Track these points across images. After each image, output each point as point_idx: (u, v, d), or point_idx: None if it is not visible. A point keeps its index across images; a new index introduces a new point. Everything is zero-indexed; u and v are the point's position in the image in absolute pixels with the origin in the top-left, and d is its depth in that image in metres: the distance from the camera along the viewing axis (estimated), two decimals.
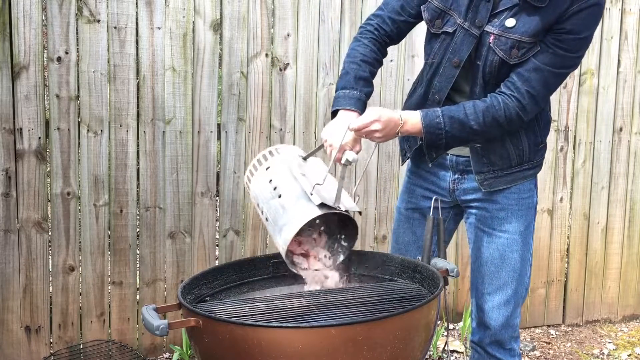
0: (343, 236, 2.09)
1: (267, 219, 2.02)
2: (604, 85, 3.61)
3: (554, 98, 3.52)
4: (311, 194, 1.89)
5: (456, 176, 2.20)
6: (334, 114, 2.08)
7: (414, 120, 2.01)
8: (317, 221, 1.97)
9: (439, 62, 2.11)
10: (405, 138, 2.27)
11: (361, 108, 2.05)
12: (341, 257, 2.09)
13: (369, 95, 2.11)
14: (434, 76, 2.13)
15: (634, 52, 3.63)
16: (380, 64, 2.19)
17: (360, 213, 2.07)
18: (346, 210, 1.94)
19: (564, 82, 3.52)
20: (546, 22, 1.97)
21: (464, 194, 2.21)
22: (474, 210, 2.22)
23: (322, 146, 2.08)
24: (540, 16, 1.97)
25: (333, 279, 2.06)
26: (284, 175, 2.02)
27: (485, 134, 2.04)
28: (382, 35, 2.18)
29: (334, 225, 2.07)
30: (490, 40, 2.01)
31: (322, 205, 1.89)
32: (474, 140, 2.09)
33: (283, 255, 1.96)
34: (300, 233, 1.94)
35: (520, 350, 3.42)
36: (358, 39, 2.18)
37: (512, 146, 2.13)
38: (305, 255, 2.05)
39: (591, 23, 2.00)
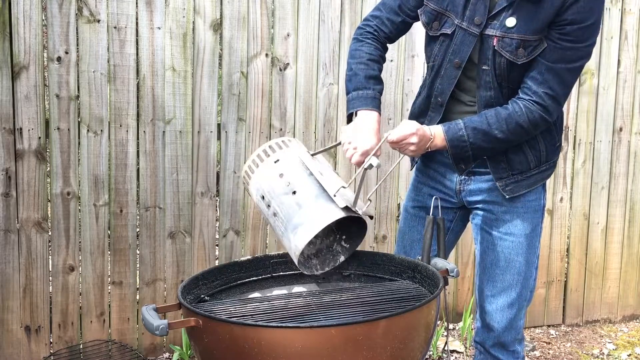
0: (344, 237, 2.08)
1: (275, 214, 1.94)
2: (604, 85, 3.61)
3: None
4: (334, 195, 1.87)
5: (462, 177, 2.18)
6: (350, 117, 2.07)
7: (440, 134, 2.00)
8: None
9: (439, 64, 2.09)
10: None
11: (378, 107, 2.05)
12: (342, 258, 2.08)
13: (381, 92, 2.10)
14: (436, 79, 2.11)
15: (634, 52, 3.63)
16: (385, 60, 2.19)
17: (371, 217, 2.06)
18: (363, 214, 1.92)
19: None
20: (546, 16, 1.92)
21: (469, 195, 2.19)
22: (479, 212, 2.21)
23: (337, 145, 2.07)
24: (539, 11, 1.92)
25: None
26: (298, 171, 1.96)
27: (511, 141, 2.02)
28: (382, 37, 2.18)
29: (335, 226, 2.06)
30: (495, 43, 1.98)
31: (345, 208, 1.87)
32: (500, 148, 2.05)
33: (297, 253, 1.90)
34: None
35: None
36: (359, 39, 2.17)
37: (530, 148, 2.10)
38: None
39: (593, 9, 1.93)
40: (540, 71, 1.95)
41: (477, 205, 2.20)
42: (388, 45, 2.22)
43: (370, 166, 1.91)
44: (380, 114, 2.05)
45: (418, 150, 1.98)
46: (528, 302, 2.27)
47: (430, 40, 2.12)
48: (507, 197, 2.12)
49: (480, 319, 2.28)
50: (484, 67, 2.01)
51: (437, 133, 2.00)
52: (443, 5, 2.05)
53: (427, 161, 2.26)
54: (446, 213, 2.24)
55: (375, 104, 2.05)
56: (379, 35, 2.17)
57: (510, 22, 1.96)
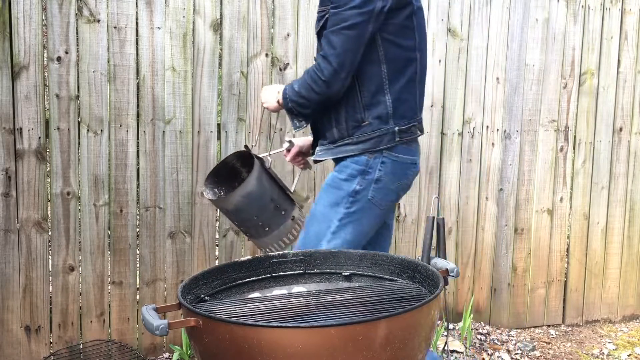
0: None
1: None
2: (604, 85, 3.61)
3: (553, 98, 3.54)
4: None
5: None
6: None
7: (281, 90, 2.42)
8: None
9: None
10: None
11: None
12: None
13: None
14: None
15: (634, 52, 3.63)
16: None
17: (256, 158, 2.52)
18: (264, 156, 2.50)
19: (564, 82, 3.53)
20: None
21: None
22: None
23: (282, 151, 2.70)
24: None
25: None
26: None
27: (305, 96, 2.33)
28: None
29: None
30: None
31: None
32: (304, 106, 2.35)
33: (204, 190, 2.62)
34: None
35: (520, 349, 3.42)
36: None
37: (334, 121, 2.38)
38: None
39: None
40: (321, 40, 2.34)
41: None
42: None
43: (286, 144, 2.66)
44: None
45: (267, 102, 2.48)
46: None
47: None
48: (313, 159, 2.49)
49: None
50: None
51: (280, 89, 2.43)
52: None
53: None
54: None
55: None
56: None
57: (318, 7, 2.40)
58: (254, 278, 2.11)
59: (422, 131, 2.47)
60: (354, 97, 2.34)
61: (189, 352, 3.08)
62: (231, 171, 2.65)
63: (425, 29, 2.45)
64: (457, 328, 3.57)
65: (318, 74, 2.28)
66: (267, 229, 2.50)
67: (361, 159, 2.35)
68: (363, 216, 2.36)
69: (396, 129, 2.34)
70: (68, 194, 2.92)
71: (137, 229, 3.06)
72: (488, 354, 3.36)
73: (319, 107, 2.37)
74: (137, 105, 2.97)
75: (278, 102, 2.43)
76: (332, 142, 2.40)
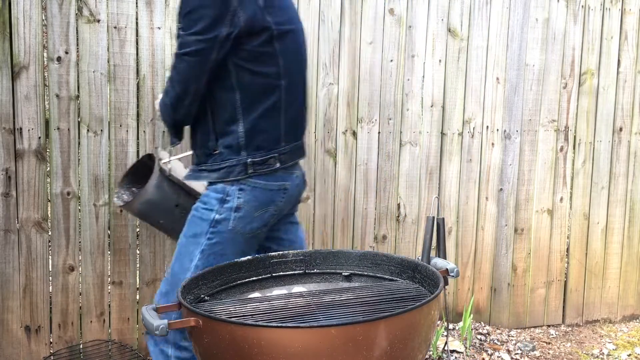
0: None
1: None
2: (604, 85, 3.61)
3: (553, 98, 3.54)
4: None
5: None
6: None
7: None
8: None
9: None
10: None
11: None
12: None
13: None
14: None
15: (634, 52, 3.63)
16: None
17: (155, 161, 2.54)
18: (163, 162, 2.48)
19: (564, 82, 3.54)
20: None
21: None
22: None
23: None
24: None
25: None
26: None
27: (162, 116, 2.28)
28: None
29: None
30: None
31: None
32: (167, 125, 2.30)
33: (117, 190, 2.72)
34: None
35: (520, 349, 3.42)
36: None
37: (194, 145, 2.28)
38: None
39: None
40: None
41: None
42: None
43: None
44: None
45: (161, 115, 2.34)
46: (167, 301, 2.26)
47: None
48: (182, 179, 2.44)
49: None
50: None
51: None
52: None
53: None
54: None
55: None
56: None
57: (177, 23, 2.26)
58: (254, 278, 2.11)
59: (284, 162, 2.24)
60: (207, 124, 2.21)
61: None
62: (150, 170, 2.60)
63: (301, 52, 2.30)
64: (457, 328, 3.57)
65: (164, 98, 2.21)
66: (176, 233, 2.40)
67: (219, 186, 2.20)
68: (226, 247, 2.20)
69: (249, 160, 2.17)
70: (68, 194, 2.92)
71: (137, 229, 3.06)
72: (488, 354, 3.36)
73: (179, 129, 2.29)
74: (137, 105, 2.97)
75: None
76: (196, 164, 2.29)
